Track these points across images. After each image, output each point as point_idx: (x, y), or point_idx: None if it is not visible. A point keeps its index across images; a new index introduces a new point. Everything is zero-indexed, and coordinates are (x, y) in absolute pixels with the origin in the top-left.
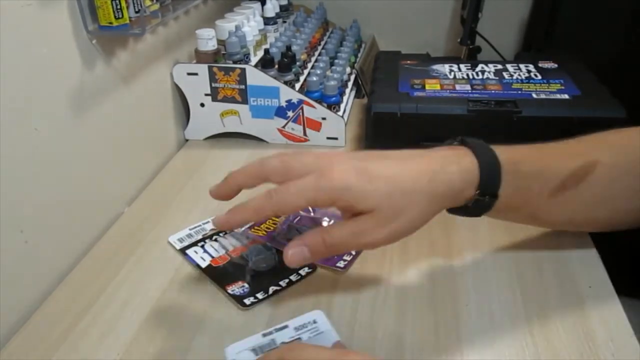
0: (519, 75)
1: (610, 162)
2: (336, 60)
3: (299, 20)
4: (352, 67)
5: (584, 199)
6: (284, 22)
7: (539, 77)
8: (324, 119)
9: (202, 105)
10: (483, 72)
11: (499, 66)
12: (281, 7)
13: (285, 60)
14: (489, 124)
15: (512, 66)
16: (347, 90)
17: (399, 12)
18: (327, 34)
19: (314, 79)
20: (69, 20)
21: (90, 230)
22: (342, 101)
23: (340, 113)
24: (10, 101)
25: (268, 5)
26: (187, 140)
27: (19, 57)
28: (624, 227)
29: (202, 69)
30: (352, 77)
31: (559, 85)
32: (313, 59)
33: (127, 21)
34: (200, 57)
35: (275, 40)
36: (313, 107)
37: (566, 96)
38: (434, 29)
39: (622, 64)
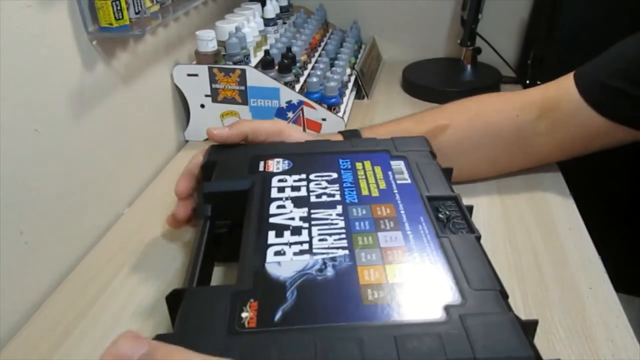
0: None
1: (457, 124)
2: (336, 62)
3: (299, 22)
4: (352, 68)
5: (442, 153)
6: (284, 23)
7: None
8: (324, 120)
9: (202, 106)
10: None
11: None
12: (281, 8)
13: (286, 61)
14: None
15: None
16: (347, 92)
17: (399, 13)
18: (328, 35)
19: (314, 80)
20: (69, 22)
21: (90, 231)
22: (342, 102)
23: (340, 114)
24: (10, 102)
25: (268, 6)
26: (187, 141)
27: (19, 58)
28: (487, 175)
29: (202, 70)
30: (352, 79)
31: None
32: (313, 60)
33: (127, 22)
34: (200, 58)
35: (276, 41)
36: (313, 108)
37: None
38: (434, 30)
39: None
